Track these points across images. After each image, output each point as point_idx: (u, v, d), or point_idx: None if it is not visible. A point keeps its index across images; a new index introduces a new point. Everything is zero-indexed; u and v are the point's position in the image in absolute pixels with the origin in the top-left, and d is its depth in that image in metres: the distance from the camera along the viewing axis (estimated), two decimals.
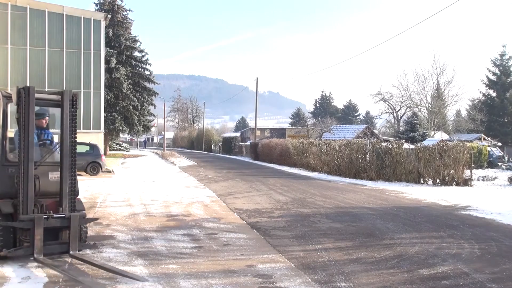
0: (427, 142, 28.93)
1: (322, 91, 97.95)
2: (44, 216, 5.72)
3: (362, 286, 5.14)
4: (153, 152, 55.13)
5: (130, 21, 41.99)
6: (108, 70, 35.57)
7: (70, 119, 6.20)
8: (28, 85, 25.76)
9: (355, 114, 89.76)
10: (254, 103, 45.68)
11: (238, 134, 68.23)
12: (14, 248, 5.73)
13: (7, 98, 6.35)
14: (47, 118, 6.80)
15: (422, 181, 18.69)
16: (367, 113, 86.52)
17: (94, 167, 19.85)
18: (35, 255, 5.60)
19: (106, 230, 8.08)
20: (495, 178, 20.20)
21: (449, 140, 29.62)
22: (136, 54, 41.92)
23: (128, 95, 38.86)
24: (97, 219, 7.76)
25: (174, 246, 7.01)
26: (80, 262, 5.74)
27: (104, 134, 29.11)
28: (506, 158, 33.75)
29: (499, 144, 41.86)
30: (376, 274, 5.59)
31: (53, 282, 5.06)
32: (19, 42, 23.34)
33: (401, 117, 57.49)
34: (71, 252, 5.86)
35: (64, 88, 25.66)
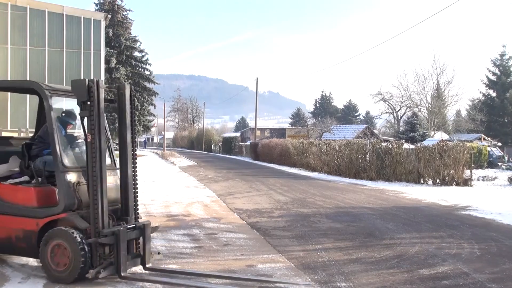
0: (427, 142, 28.93)
1: (322, 91, 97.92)
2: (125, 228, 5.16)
3: (362, 286, 5.14)
4: (153, 152, 55.11)
5: (130, 21, 42.03)
6: (108, 70, 35.57)
7: (130, 118, 5.65)
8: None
9: (355, 114, 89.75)
10: (254, 103, 45.68)
11: (238, 134, 68.29)
12: (99, 267, 4.92)
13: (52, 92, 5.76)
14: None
15: (422, 181, 18.68)
16: (367, 113, 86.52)
17: None
18: (122, 273, 5.00)
19: None
20: (495, 178, 20.19)
21: (449, 140, 29.62)
22: (136, 54, 41.96)
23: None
24: (158, 227, 6.42)
25: (174, 246, 7.02)
26: (157, 273, 5.38)
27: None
28: (506, 158, 33.75)
29: (499, 144, 41.86)
30: (376, 274, 5.60)
31: (53, 282, 5.07)
32: (19, 42, 23.32)
33: (401, 117, 57.52)
34: (148, 265, 5.40)
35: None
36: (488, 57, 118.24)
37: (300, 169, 26.33)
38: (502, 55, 51.68)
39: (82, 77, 25.35)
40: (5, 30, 22.35)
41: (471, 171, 18.63)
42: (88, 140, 5.18)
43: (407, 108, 54.88)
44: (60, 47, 24.57)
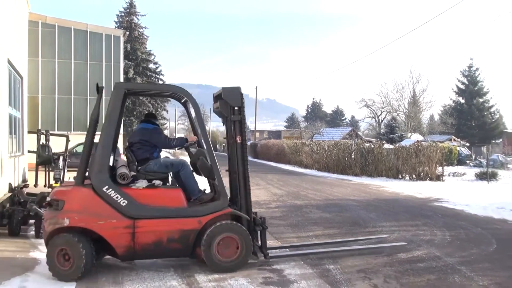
0: (404, 143, 28.93)
1: (313, 98, 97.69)
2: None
3: (348, 268, 5.14)
4: (166, 151, 55.00)
5: (145, 37, 41.92)
6: (127, 80, 35.53)
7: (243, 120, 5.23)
8: (56, 93, 25.23)
9: (342, 118, 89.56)
10: (254, 109, 45.65)
11: None
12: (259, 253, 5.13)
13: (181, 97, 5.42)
14: None
15: (400, 177, 18.68)
16: (352, 117, 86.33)
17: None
18: (269, 255, 5.17)
19: None
20: (464, 174, 20.19)
21: (424, 141, 29.61)
22: (151, 66, 41.88)
23: (144, 102, 38.84)
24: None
25: None
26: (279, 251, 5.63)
27: (123, 135, 29.08)
28: (473, 156, 33.75)
29: (467, 144, 41.85)
30: (360, 258, 5.60)
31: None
32: (48, 55, 23.30)
33: (382, 120, 57.42)
34: (273, 253, 5.39)
35: (89, 96, 25.63)
36: (457, 68, 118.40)
37: (294, 166, 26.32)
38: (470, 67, 51.73)
39: (104, 86, 25.30)
40: (36, 45, 22.33)
41: (442, 168, 18.64)
42: (238, 141, 5.16)
43: (387, 113, 54.77)
44: (84, 59, 24.58)
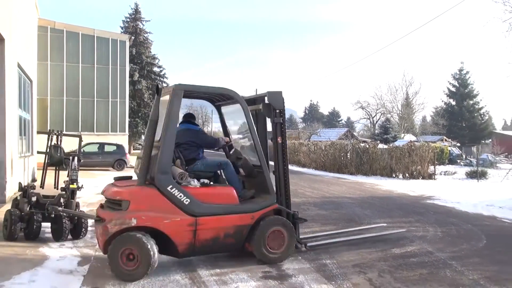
0: (398, 143, 28.94)
1: (311, 100, 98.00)
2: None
3: (344, 262, 5.14)
4: None
5: (150, 41, 41.90)
6: (132, 83, 35.53)
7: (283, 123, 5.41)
8: (64, 95, 25.17)
9: (338, 119, 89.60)
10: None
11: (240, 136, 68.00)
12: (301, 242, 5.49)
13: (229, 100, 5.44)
14: None
15: (393, 175, 18.68)
16: (348, 118, 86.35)
17: (120, 163, 19.83)
18: (308, 244, 5.61)
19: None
20: (455, 173, 20.22)
21: (416, 141, 29.61)
22: (155, 69, 41.87)
23: (149, 104, 38.78)
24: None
25: None
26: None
27: (129, 136, 29.08)
28: (464, 156, 33.76)
29: (458, 144, 41.89)
30: (356, 253, 5.59)
31: (86, 260, 5.07)
32: (57, 59, 23.32)
33: (376, 122, 57.42)
34: (309, 244, 5.68)
35: (96, 98, 25.61)
36: (449, 71, 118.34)
37: (293, 165, 26.30)
38: (460, 70, 51.82)
39: (110, 89, 25.34)
40: (45, 49, 22.35)
41: (434, 167, 18.65)
42: (279, 142, 5.31)
43: (381, 114, 54.80)
44: (91, 63, 24.60)
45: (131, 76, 34.39)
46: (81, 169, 7.37)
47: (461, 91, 50.66)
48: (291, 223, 5.14)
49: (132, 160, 23.98)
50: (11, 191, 9.47)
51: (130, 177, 5.08)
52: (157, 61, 41.75)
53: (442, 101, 52.95)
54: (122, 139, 24.36)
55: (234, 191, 4.98)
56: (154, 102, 4.76)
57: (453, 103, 51.43)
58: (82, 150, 22.35)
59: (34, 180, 13.22)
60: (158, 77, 42.06)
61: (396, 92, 49.34)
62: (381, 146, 22.07)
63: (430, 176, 18.02)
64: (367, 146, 20.39)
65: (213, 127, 73.34)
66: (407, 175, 18.37)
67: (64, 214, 5.68)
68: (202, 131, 5.62)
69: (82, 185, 6.79)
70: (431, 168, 18.47)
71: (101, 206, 4.79)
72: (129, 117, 31.15)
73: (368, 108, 55.37)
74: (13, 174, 9.65)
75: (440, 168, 21.11)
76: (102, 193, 4.86)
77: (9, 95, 9.30)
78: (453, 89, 51.67)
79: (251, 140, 5.29)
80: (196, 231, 4.60)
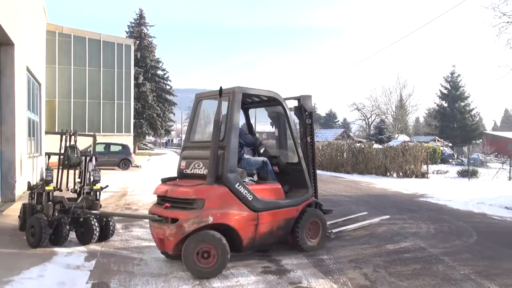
0: (392, 143, 28.94)
1: None
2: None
3: (340, 258, 5.14)
4: (173, 151, 55.03)
5: (154, 46, 41.91)
6: (137, 85, 35.51)
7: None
8: (72, 97, 25.15)
9: (335, 121, 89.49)
10: (254, 112, 45.48)
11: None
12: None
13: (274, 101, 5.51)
14: None
15: (388, 174, 18.69)
16: (344, 119, 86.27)
17: (125, 163, 19.82)
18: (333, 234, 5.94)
19: (139, 211, 8.07)
20: (447, 171, 20.22)
21: (410, 141, 29.62)
22: (159, 72, 41.87)
23: (153, 105, 38.84)
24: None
25: None
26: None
27: (133, 136, 29.07)
28: (455, 156, 33.78)
29: (450, 144, 41.90)
30: (351, 248, 5.60)
31: (93, 255, 5.06)
32: (64, 62, 23.33)
33: (371, 123, 57.39)
34: (334, 231, 6.03)
35: (102, 100, 25.60)
36: (441, 74, 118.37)
37: None
38: (452, 73, 51.80)
39: (115, 91, 25.34)
40: (53, 53, 22.36)
41: (427, 166, 18.65)
42: (309, 141, 5.69)
43: (376, 115, 54.75)
44: (98, 66, 24.61)
45: (135, 78, 34.38)
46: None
47: (453, 93, 50.68)
48: (322, 215, 5.54)
49: (136, 159, 24.00)
50: (20, 190, 9.47)
51: (176, 178, 5.03)
52: (161, 64, 41.80)
53: (435, 102, 52.94)
54: (127, 139, 24.37)
55: (281, 187, 5.13)
56: (217, 104, 4.69)
57: (445, 104, 51.43)
58: (89, 150, 22.25)
59: (42, 179, 13.21)
60: (161, 80, 42.08)
61: (390, 94, 49.35)
62: (376, 146, 22.07)
63: (423, 175, 18.02)
64: (363, 146, 20.40)
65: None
66: (401, 174, 18.37)
67: (92, 216, 5.41)
68: (244, 131, 5.72)
69: (107, 185, 6.42)
70: (424, 167, 18.47)
71: (158, 206, 4.64)
72: (134, 118, 31.16)
73: (363, 109, 55.38)
74: (22, 173, 9.65)
75: (432, 167, 21.12)
76: (162, 193, 4.65)
77: (19, 97, 9.30)
78: (445, 91, 51.67)
79: (290, 139, 5.59)
80: (257, 226, 4.71)
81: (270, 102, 5.65)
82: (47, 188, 5.50)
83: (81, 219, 5.54)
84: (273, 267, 4.73)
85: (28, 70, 10.93)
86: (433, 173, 19.42)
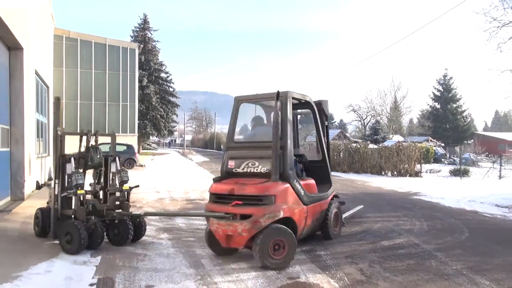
0: (387, 143, 28.93)
1: None
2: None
3: (337, 254, 5.14)
4: (176, 151, 55.02)
5: (157, 49, 41.90)
6: (141, 88, 35.51)
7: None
8: (78, 99, 25.21)
9: (332, 121, 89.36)
10: (254, 112, 45.41)
11: (241, 136, 67.87)
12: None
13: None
14: None
15: (383, 173, 18.70)
16: (341, 120, 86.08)
17: (129, 162, 19.83)
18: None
19: (139, 211, 8.06)
20: (439, 171, 20.21)
21: (404, 142, 29.61)
22: (163, 75, 41.86)
23: (156, 107, 38.83)
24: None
25: (192, 223, 7.00)
26: None
27: (138, 136, 29.07)
28: (448, 155, 33.76)
29: (442, 144, 41.88)
30: (347, 245, 5.59)
31: (98, 251, 5.04)
32: (71, 66, 23.34)
33: (367, 123, 57.39)
34: (344, 218, 6.44)
35: (107, 102, 25.62)
36: (434, 77, 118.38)
37: None
38: (444, 76, 51.84)
39: (120, 93, 25.33)
40: (60, 56, 22.37)
41: (421, 166, 18.66)
42: (325, 140, 6.02)
43: (371, 117, 54.76)
44: (103, 69, 24.62)
45: (140, 81, 34.39)
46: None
47: (445, 95, 50.71)
48: (340, 206, 5.94)
49: (140, 159, 24.00)
50: (29, 189, 9.47)
51: (224, 177, 5.06)
52: (164, 67, 41.79)
53: (428, 104, 52.99)
54: (132, 139, 24.38)
55: (315, 183, 5.40)
56: (274, 107, 4.79)
57: (438, 106, 51.46)
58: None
59: (50, 179, 13.20)
60: (165, 82, 42.07)
61: (385, 96, 49.37)
62: (371, 146, 22.07)
63: (417, 174, 18.03)
64: (359, 146, 20.39)
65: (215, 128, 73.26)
66: (395, 173, 18.37)
67: (126, 217, 5.21)
68: None
69: (137, 185, 6.22)
70: (418, 166, 18.48)
71: (218, 204, 4.66)
72: (138, 119, 31.15)
73: (359, 111, 55.40)
74: (31, 173, 9.65)
75: (426, 167, 21.11)
76: (227, 191, 4.65)
77: (27, 100, 9.30)
78: (438, 93, 51.71)
79: (315, 139, 5.99)
80: (306, 218, 4.98)
81: (300, 105, 5.86)
82: (79, 192, 5.14)
83: (116, 221, 5.31)
84: None
85: (36, 73, 10.93)
86: (426, 172, 19.41)
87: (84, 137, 5.84)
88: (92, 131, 5.99)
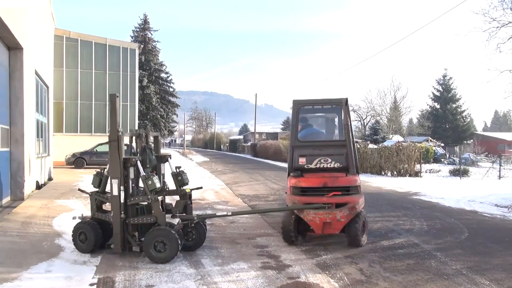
0: (386, 143, 28.91)
1: None
2: None
3: (337, 254, 5.13)
4: (176, 151, 54.97)
5: (158, 49, 41.92)
6: (141, 88, 35.52)
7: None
8: (79, 99, 25.09)
9: None
10: (254, 113, 45.59)
11: (241, 137, 68.10)
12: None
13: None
14: None
15: (383, 173, 18.67)
16: None
17: None
18: None
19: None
20: (439, 170, 20.19)
21: (404, 142, 29.59)
22: (163, 75, 41.88)
23: (156, 107, 38.84)
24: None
25: None
26: None
27: None
28: (447, 155, 33.74)
29: (442, 144, 41.84)
30: (347, 245, 5.58)
31: (98, 251, 5.03)
32: (72, 66, 23.31)
33: (367, 124, 57.34)
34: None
35: (108, 102, 25.58)
36: (433, 77, 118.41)
37: None
38: (444, 76, 51.82)
39: (121, 93, 25.29)
40: (61, 56, 22.35)
41: (420, 166, 18.63)
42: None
43: (371, 117, 54.72)
44: (104, 70, 24.58)
45: (140, 81, 34.36)
46: (94, 167, 7.30)
47: (445, 96, 50.69)
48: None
49: None
50: (29, 189, 9.46)
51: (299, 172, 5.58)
52: (164, 67, 41.81)
53: (427, 104, 52.95)
54: (132, 140, 24.31)
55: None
56: (343, 111, 5.66)
57: (438, 106, 51.44)
58: (95, 149, 22.00)
59: (50, 179, 13.19)
60: (165, 82, 42.08)
61: (385, 96, 49.34)
62: (371, 146, 22.05)
63: (416, 174, 18.00)
64: (358, 146, 20.37)
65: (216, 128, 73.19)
66: (395, 173, 18.36)
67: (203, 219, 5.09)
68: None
69: (201, 187, 6.10)
70: (417, 166, 18.45)
71: (311, 196, 5.25)
72: (138, 119, 31.13)
73: (359, 111, 55.29)
74: (30, 173, 9.64)
75: (425, 167, 21.08)
76: (320, 184, 5.27)
77: (27, 100, 9.29)
78: (437, 94, 51.69)
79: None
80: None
81: (330, 107, 6.28)
82: (159, 197, 4.91)
83: (192, 224, 5.07)
84: (272, 263, 4.72)
85: (36, 73, 10.92)
86: (426, 172, 19.39)
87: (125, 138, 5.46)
88: (143, 132, 5.59)
